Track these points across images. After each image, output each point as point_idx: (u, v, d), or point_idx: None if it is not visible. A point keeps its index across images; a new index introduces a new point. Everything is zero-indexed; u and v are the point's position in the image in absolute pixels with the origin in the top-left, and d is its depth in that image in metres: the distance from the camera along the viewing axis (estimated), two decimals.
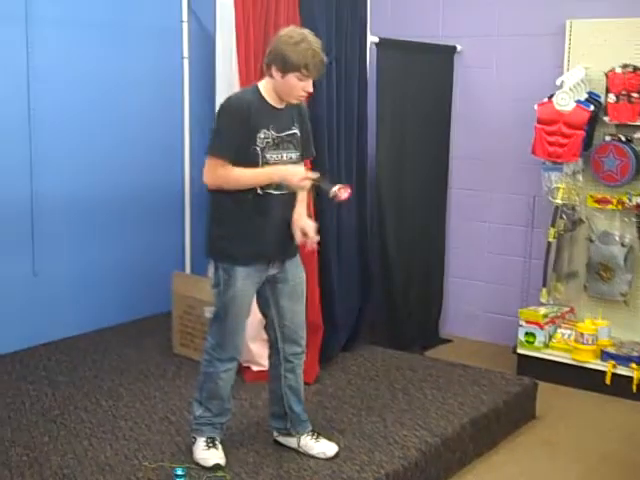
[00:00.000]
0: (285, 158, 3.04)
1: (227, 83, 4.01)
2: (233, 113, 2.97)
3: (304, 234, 3.09)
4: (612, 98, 4.42)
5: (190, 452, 3.20)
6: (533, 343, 4.66)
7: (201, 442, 3.18)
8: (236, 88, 3.81)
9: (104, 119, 4.70)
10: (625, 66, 4.39)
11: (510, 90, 5.07)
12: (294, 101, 3.04)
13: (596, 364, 4.47)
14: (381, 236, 4.87)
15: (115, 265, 4.88)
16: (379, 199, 4.82)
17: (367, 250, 4.63)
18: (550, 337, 4.68)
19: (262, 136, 2.97)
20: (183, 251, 4.98)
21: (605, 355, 4.46)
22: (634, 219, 4.49)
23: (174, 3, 4.80)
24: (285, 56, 2.92)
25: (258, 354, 4.02)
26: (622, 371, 4.38)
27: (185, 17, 4.81)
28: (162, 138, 4.98)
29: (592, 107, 4.43)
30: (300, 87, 2.97)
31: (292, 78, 2.94)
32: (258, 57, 3.85)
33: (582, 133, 4.43)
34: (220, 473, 3.05)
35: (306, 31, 3.02)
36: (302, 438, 3.26)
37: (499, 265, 5.25)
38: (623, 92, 4.39)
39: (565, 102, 4.45)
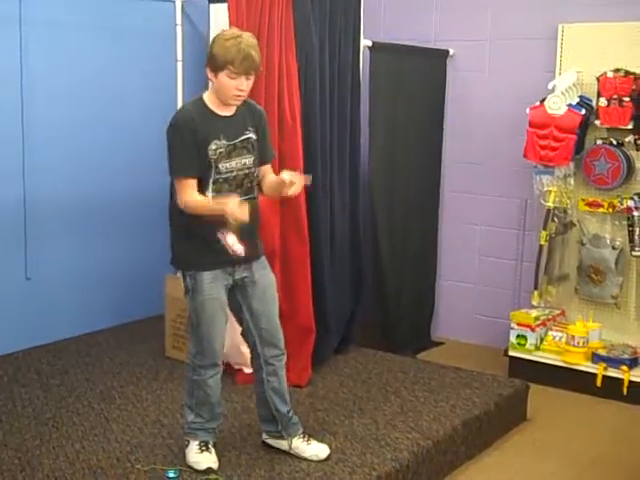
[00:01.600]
0: (239, 165, 3.01)
1: None
2: (181, 128, 2.94)
3: (287, 183, 3.00)
4: (603, 102, 4.45)
5: (182, 454, 3.21)
6: (524, 345, 4.68)
7: (194, 445, 3.18)
8: None
9: (97, 123, 4.70)
10: (616, 70, 4.42)
11: (502, 94, 5.10)
12: (232, 102, 2.99)
13: (587, 366, 4.49)
14: (374, 239, 4.88)
15: (108, 268, 4.88)
16: (372, 203, 4.83)
17: (360, 253, 4.64)
18: (541, 339, 4.70)
19: (214, 147, 2.94)
20: None
21: (596, 357, 4.48)
22: (625, 222, 4.50)
23: (168, 6, 4.81)
24: (213, 55, 2.91)
25: (250, 357, 4.02)
26: (613, 373, 4.40)
27: (179, 20, 4.82)
28: (155, 141, 4.93)
29: (584, 111, 4.46)
30: (233, 86, 2.92)
31: (223, 77, 2.91)
32: None
33: (574, 137, 4.46)
34: (213, 476, 3.06)
35: (244, 32, 2.97)
36: (293, 441, 3.26)
37: (491, 268, 5.27)
38: (614, 96, 4.41)
39: (557, 106, 4.48)
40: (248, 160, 3.05)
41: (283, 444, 3.29)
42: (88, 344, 4.56)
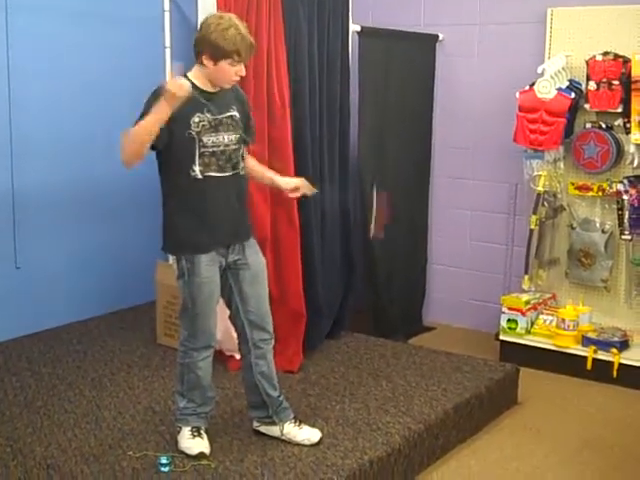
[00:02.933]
0: (226, 140, 3.03)
1: None
2: (156, 100, 2.91)
3: (296, 188, 3.23)
4: (593, 86, 4.45)
5: (174, 441, 3.21)
6: (515, 329, 4.70)
7: (186, 431, 3.19)
8: None
9: (85, 109, 4.68)
10: (606, 54, 4.42)
11: (492, 78, 5.09)
12: (227, 86, 3.03)
13: (577, 349, 4.51)
14: (364, 225, 4.88)
15: (98, 256, 4.86)
16: (362, 187, 4.82)
17: (350, 239, 4.64)
18: (532, 323, 4.73)
19: (197, 120, 2.95)
20: None
21: (586, 340, 4.50)
22: (614, 206, 4.51)
23: None
24: (216, 45, 2.91)
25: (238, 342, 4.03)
26: (603, 356, 4.43)
27: (167, 6, 4.78)
28: None
29: (573, 95, 4.46)
30: (233, 72, 2.97)
31: (225, 65, 2.94)
32: None
33: (563, 121, 4.46)
34: (205, 461, 3.07)
35: (232, 15, 3.02)
36: (285, 426, 3.27)
37: (482, 252, 5.28)
38: (604, 80, 4.41)
39: (546, 90, 4.48)
40: (234, 136, 3.07)
41: (274, 430, 3.29)
42: (79, 332, 4.55)
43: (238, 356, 4.05)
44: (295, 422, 3.29)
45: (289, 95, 4.04)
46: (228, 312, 3.96)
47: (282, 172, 4.00)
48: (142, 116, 2.93)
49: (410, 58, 5.10)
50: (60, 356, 4.18)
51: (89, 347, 4.33)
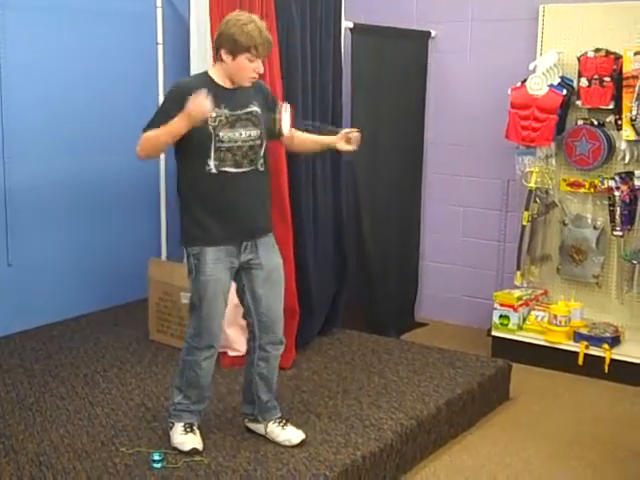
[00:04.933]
0: (244, 136, 3.03)
1: (202, 69, 3.98)
2: (174, 96, 2.98)
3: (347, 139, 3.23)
4: (584, 82, 4.46)
5: (167, 437, 3.21)
6: (507, 325, 4.71)
7: (179, 427, 3.19)
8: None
9: (78, 105, 4.67)
10: (597, 50, 4.43)
11: (484, 75, 5.10)
12: (246, 83, 3.05)
13: (569, 345, 4.53)
14: (357, 221, 4.88)
15: (91, 252, 4.86)
16: (354, 184, 4.83)
17: (343, 235, 4.64)
18: (524, 319, 4.74)
19: (214, 115, 2.95)
20: (159, 237, 4.97)
21: (578, 336, 4.52)
22: (606, 202, 4.53)
23: None
24: (234, 38, 2.94)
25: (234, 339, 4.04)
26: (594, 352, 4.44)
27: (159, 3, 4.78)
28: (136, 124, 4.93)
29: (565, 91, 4.47)
30: (251, 68, 2.99)
31: (242, 60, 2.97)
32: None
33: (555, 117, 4.47)
34: (197, 457, 3.07)
35: (253, 15, 3.06)
36: (269, 425, 3.27)
37: (474, 249, 5.30)
38: (595, 76, 4.42)
39: (538, 86, 4.49)
40: (253, 132, 3.06)
41: (260, 428, 3.30)
42: (71, 329, 4.54)
43: (231, 352, 4.07)
44: (279, 422, 3.27)
45: (282, 92, 4.04)
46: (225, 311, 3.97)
47: (275, 169, 4.01)
48: (157, 115, 2.97)
49: (402, 55, 5.11)
50: (52, 353, 4.17)
51: (81, 344, 4.32)
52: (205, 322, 3.12)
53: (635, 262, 4.46)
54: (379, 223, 5.04)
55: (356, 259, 4.90)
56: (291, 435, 3.24)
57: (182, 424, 3.19)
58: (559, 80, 4.53)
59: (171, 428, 3.22)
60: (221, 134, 2.98)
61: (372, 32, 4.90)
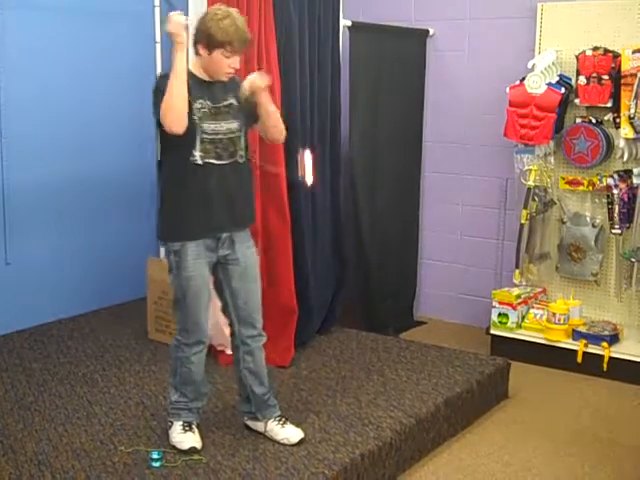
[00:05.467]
0: (224, 128, 3.05)
1: None
2: (165, 80, 2.95)
3: (252, 84, 3.07)
4: (583, 80, 4.46)
5: (166, 436, 3.21)
6: (506, 324, 4.71)
7: (177, 426, 3.19)
8: None
9: (75, 105, 4.67)
10: (595, 49, 4.43)
11: (482, 73, 5.10)
12: (223, 78, 3.05)
13: (568, 343, 4.53)
14: (355, 219, 4.89)
15: (89, 251, 4.86)
16: (353, 183, 4.83)
17: (341, 234, 4.65)
18: (523, 318, 4.74)
19: (198, 106, 2.98)
20: None
21: (576, 334, 4.52)
22: (605, 200, 4.53)
23: None
24: (210, 33, 2.95)
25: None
26: (593, 350, 4.45)
27: (157, 2, 4.78)
28: (133, 123, 4.95)
29: (563, 90, 4.47)
30: (227, 64, 3.00)
31: (218, 55, 2.97)
32: None
33: (553, 115, 4.47)
34: (196, 456, 3.07)
35: (231, 9, 3.04)
36: (268, 423, 3.26)
37: (473, 247, 5.30)
38: (593, 74, 4.42)
39: (536, 85, 4.49)
40: (233, 125, 3.08)
41: (259, 425, 3.30)
42: (70, 328, 4.54)
43: (229, 351, 4.06)
44: (279, 420, 3.27)
45: (280, 90, 4.04)
46: (219, 305, 3.98)
47: (273, 166, 4.02)
48: (157, 95, 2.94)
49: (401, 53, 5.11)
50: (51, 352, 4.17)
51: (80, 343, 4.32)
52: (191, 318, 3.12)
53: (634, 260, 4.46)
54: (378, 222, 5.04)
55: (355, 258, 4.90)
56: (290, 434, 3.23)
57: (181, 423, 3.19)
58: (557, 78, 4.53)
59: (170, 427, 3.22)
60: (205, 125, 3.00)
61: (370, 30, 4.90)
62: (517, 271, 4.78)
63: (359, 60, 4.76)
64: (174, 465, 3.01)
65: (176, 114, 2.89)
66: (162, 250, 3.16)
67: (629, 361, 4.37)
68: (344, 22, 4.59)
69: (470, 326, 5.21)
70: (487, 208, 5.20)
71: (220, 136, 3.04)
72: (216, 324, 4.03)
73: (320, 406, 3.58)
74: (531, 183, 4.64)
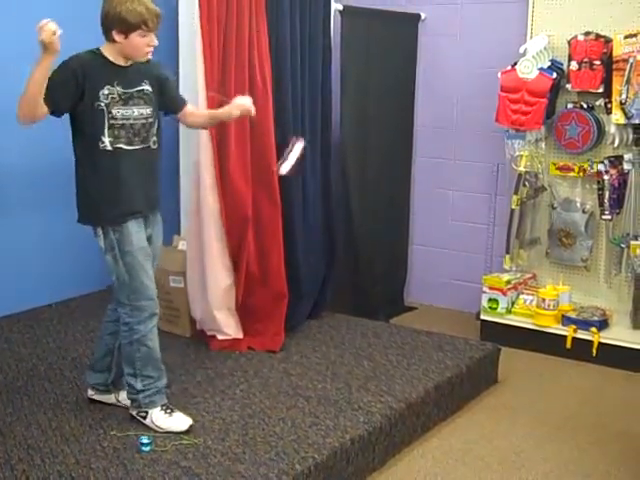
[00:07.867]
0: (136, 114, 3.04)
1: (191, 64, 3.95)
2: (69, 68, 2.94)
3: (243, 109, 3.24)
4: (574, 65, 4.45)
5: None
6: (496, 309, 4.72)
7: (158, 412, 3.16)
8: (200, 69, 3.78)
9: None
10: (587, 34, 4.42)
11: (474, 58, 5.08)
12: (142, 58, 3.04)
13: (557, 329, 4.55)
14: (346, 205, 4.88)
15: (78, 234, 4.76)
16: (344, 167, 4.82)
17: (332, 218, 4.63)
18: (512, 303, 4.75)
19: (106, 92, 2.97)
20: None
21: (566, 320, 4.54)
22: (595, 186, 4.53)
23: None
24: (122, 18, 2.92)
25: (223, 323, 4.03)
26: (582, 335, 4.46)
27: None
28: None
29: (555, 75, 4.46)
30: (144, 43, 2.98)
31: (135, 37, 2.95)
32: (222, 36, 3.82)
33: (545, 101, 4.47)
34: (186, 441, 3.06)
35: None
36: (120, 393, 3.30)
37: (463, 232, 5.30)
38: (585, 59, 4.41)
39: (528, 70, 4.48)
40: (146, 111, 3.08)
41: (110, 398, 3.33)
42: (59, 312, 4.52)
43: (220, 336, 4.06)
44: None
45: (271, 75, 4.01)
46: (211, 292, 3.97)
47: (264, 153, 4.01)
48: (48, 85, 2.88)
49: (392, 37, 5.08)
50: (40, 336, 4.16)
51: (69, 327, 4.30)
52: (143, 292, 3.11)
53: (623, 246, 4.47)
54: (368, 207, 5.03)
55: (345, 243, 4.90)
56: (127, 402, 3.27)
57: (159, 408, 3.17)
58: (549, 63, 4.52)
59: (147, 417, 3.17)
60: (114, 111, 2.99)
61: (362, 15, 4.87)
62: (507, 256, 4.78)
63: (350, 44, 4.74)
64: (164, 449, 3.00)
65: (25, 114, 2.90)
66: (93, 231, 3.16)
67: (618, 346, 4.39)
68: (335, 6, 4.56)
69: (460, 311, 5.22)
70: (478, 193, 5.20)
71: (131, 121, 3.03)
72: (206, 309, 4.03)
73: (310, 391, 3.58)
74: (522, 169, 4.64)
